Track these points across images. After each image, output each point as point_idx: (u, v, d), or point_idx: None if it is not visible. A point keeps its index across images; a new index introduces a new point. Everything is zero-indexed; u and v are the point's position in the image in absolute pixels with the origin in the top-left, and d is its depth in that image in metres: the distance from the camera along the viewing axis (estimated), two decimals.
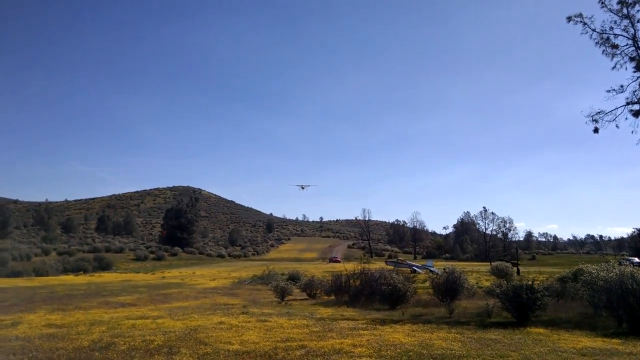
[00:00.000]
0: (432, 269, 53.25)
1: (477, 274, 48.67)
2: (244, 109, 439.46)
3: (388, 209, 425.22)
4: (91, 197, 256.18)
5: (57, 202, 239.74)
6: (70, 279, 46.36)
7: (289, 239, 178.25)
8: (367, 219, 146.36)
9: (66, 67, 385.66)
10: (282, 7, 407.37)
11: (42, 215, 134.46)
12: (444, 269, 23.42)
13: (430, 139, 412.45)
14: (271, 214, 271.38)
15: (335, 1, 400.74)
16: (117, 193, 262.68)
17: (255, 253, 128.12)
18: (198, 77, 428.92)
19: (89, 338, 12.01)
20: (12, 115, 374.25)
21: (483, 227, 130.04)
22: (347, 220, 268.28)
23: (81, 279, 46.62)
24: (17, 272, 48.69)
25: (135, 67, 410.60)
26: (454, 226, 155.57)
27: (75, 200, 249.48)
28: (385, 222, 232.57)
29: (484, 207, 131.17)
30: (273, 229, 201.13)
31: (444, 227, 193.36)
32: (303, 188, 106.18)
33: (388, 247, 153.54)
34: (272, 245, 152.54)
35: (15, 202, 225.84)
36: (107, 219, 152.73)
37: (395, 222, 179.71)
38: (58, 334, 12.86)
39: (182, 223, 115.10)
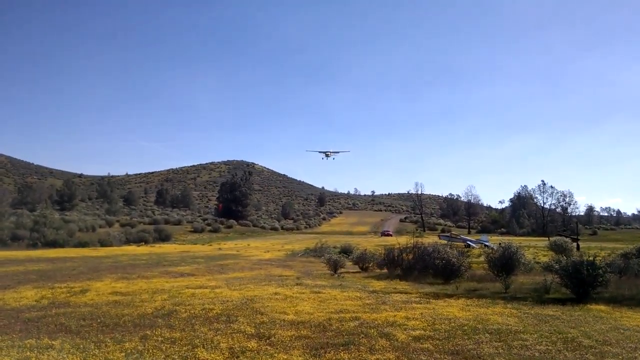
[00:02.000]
0: (487, 243, 52.21)
1: (534, 249, 47.41)
2: (295, 81, 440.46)
3: (441, 183, 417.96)
4: (150, 171, 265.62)
5: (118, 175, 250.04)
6: (132, 249, 48.55)
7: (341, 213, 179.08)
8: (419, 192, 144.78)
9: (126, 45, 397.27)
10: None
11: (105, 189, 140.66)
12: (500, 244, 22.90)
13: (485, 109, 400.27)
14: (323, 187, 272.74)
15: None
16: (174, 167, 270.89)
17: (308, 226, 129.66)
18: (250, 51, 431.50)
19: (152, 305, 12.61)
20: (75, 93, 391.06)
21: (541, 201, 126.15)
22: (399, 194, 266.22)
23: (143, 249, 48.72)
24: (83, 243, 51.42)
25: (191, 43, 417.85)
26: (510, 200, 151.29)
27: (136, 174, 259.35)
28: (438, 195, 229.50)
29: (542, 181, 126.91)
30: (325, 203, 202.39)
31: (500, 201, 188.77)
32: (328, 155, 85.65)
33: (441, 221, 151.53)
34: (324, 219, 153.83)
35: (80, 176, 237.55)
36: (165, 192, 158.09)
37: (449, 196, 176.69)
38: (123, 301, 13.57)
39: (236, 196, 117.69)
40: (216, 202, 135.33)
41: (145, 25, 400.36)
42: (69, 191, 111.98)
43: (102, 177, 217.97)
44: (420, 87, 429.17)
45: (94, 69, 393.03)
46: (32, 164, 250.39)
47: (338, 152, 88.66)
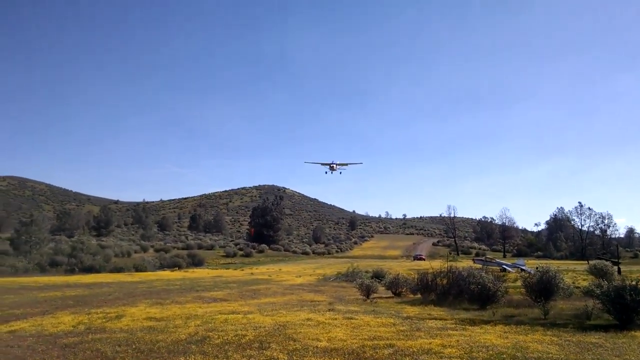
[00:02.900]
0: (523, 267, 50.82)
1: (573, 273, 45.87)
2: (325, 105, 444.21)
3: (474, 205, 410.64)
4: (184, 196, 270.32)
5: (153, 202, 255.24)
6: (166, 274, 49.09)
7: (372, 237, 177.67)
8: (452, 215, 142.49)
9: (160, 74, 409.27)
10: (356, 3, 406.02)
11: (140, 215, 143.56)
12: (537, 268, 22.25)
13: (520, 131, 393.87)
14: (354, 211, 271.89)
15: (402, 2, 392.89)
16: (207, 192, 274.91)
17: (339, 250, 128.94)
18: (279, 77, 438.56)
19: (185, 331, 12.67)
20: (111, 123, 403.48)
21: (579, 224, 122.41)
22: (431, 217, 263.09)
23: (176, 274, 49.20)
24: (119, 268, 52.27)
25: (223, 70, 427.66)
26: (547, 223, 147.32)
27: (170, 200, 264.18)
28: (471, 218, 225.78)
29: (580, 203, 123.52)
30: (356, 227, 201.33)
31: (535, 224, 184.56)
32: (332, 169, 70.36)
33: (475, 244, 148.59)
34: (355, 243, 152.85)
35: (116, 202, 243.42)
36: (198, 217, 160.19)
37: (483, 219, 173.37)
38: (157, 326, 13.68)
39: (268, 221, 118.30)
40: (248, 227, 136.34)
41: (177, 54, 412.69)
42: (105, 217, 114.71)
43: (138, 204, 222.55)
44: (451, 110, 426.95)
45: (129, 99, 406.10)
46: (71, 191, 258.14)
47: (346, 165, 72.85)
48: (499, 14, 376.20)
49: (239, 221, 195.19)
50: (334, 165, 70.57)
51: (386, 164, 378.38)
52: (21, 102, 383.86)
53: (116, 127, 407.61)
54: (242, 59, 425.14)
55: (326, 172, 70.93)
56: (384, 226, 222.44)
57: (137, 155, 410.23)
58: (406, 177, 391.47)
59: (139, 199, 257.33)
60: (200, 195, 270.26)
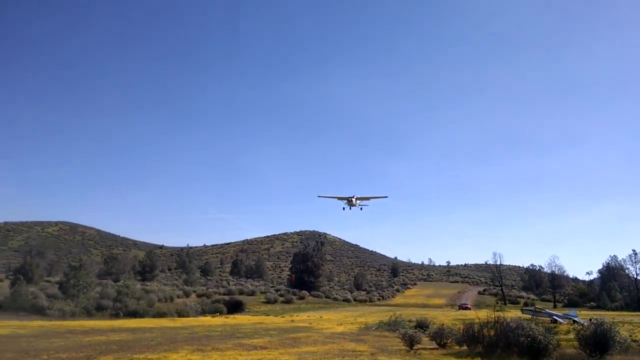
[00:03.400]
0: (575, 318, 48.27)
1: (629, 325, 43.21)
2: (361, 151, 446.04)
3: (521, 253, 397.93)
4: (226, 242, 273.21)
5: (196, 247, 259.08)
6: (207, 320, 49.17)
7: (415, 284, 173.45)
8: (498, 263, 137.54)
9: (202, 122, 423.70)
10: (395, 51, 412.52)
11: (183, 260, 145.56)
12: (591, 319, 21.18)
13: (567, 176, 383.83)
14: (396, 257, 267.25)
15: (440, 46, 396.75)
16: (249, 238, 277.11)
17: (381, 298, 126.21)
18: (317, 124, 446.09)
19: None
20: (157, 170, 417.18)
21: (634, 272, 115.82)
22: (476, 264, 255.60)
23: (217, 320, 49.21)
24: (162, 313, 52.72)
25: (264, 117, 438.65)
26: (599, 271, 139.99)
27: (212, 245, 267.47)
28: (518, 266, 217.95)
29: (634, 250, 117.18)
30: (398, 273, 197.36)
31: (587, 273, 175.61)
32: (351, 204, 61.51)
33: (523, 293, 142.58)
34: (397, 290, 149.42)
35: (161, 247, 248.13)
36: (240, 262, 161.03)
37: (530, 267, 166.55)
38: None
39: (309, 267, 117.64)
40: (289, 273, 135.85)
41: (220, 103, 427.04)
42: (150, 262, 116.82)
43: (182, 248, 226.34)
44: (495, 153, 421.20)
45: (174, 146, 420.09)
46: (118, 236, 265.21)
47: (368, 199, 63.49)
48: (544, 58, 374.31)
49: (280, 267, 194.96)
50: (353, 200, 61.51)
51: (428, 209, 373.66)
52: (72, 150, 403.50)
53: (163, 173, 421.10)
54: (281, 105, 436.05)
55: (344, 208, 62.14)
56: (427, 273, 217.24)
57: (183, 201, 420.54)
58: (449, 222, 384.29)
59: (183, 244, 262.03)
60: (242, 241, 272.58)
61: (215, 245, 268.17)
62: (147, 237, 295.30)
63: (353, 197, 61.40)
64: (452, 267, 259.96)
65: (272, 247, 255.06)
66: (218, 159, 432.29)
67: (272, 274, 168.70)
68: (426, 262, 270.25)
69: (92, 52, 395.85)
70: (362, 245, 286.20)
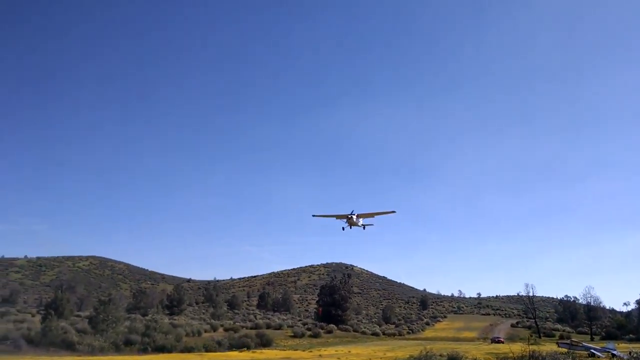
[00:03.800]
0: (614, 352, 46.38)
1: None
2: (388, 181, 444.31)
3: (554, 284, 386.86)
4: (253, 274, 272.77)
5: (223, 280, 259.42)
6: (235, 354, 48.89)
7: (445, 317, 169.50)
8: (530, 294, 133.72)
9: (229, 157, 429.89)
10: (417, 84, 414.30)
11: (211, 293, 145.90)
12: (630, 352, 20.45)
13: (599, 204, 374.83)
14: (425, 289, 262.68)
15: (458, 78, 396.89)
16: (275, 270, 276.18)
17: (410, 331, 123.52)
18: (344, 155, 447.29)
19: None
20: (185, 204, 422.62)
21: None
22: (507, 296, 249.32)
23: (245, 355, 48.87)
24: (190, 347, 52.69)
25: (290, 151, 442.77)
26: (637, 302, 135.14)
27: (240, 278, 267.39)
28: (552, 298, 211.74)
29: None
30: (427, 306, 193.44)
31: (624, 304, 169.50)
32: (352, 222, 52.24)
33: (558, 326, 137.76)
34: (427, 323, 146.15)
35: (189, 280, 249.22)
36: (267, 296, 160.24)
37: (565, 298, 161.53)
38: None
39: (336, 300, 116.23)
40: (316, 306, 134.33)
41: (245, 136, 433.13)
42: (178, 296, 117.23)
43: (209, 282, 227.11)
44: (525, 182, 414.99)
45: (201, 182, 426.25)
46: (147, 270, 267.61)
47: (372, 216, 54.39)
48: (573, 87, 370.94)
49: (307, 300, 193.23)
50: (353, 218, 51.95)
51: (457, 240, 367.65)
52: (102, 187, 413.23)
53: (190, 207, 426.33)
54: (307, 139, 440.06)
55: (343, 229, 53.58)
56: (458, 306, 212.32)
57: (210, 235, 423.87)
58: (479, 253, 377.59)
59: (210, 277, 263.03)
60: (269, 273, 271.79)
61: (242, 278, 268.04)
62: (175, 271, 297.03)
63: (352, 214, 52.13)
64: (483, 299, 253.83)
65: (298, 279, 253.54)
66: (244, 191, 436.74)
67: (299, 307, 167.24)
68: (456, 294, 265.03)
69: (136, 93, 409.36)
70: (389, 277, 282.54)
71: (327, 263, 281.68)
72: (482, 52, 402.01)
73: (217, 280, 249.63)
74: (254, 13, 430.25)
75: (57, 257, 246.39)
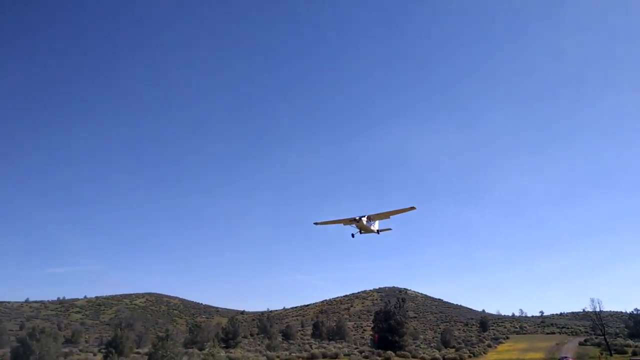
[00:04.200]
0: None
1: None
2: (440, 203, 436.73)
3: (622, 297, 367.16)
4: (305, 303, 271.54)
5: (276, 310, 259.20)
6: None
7: (507, 338, 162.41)
8: (597, 310, 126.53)
9: (272, 185, 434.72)
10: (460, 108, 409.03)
11: (265, 324, 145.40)
12: None
13: None
14: (483, 310, 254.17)
15: (496, 92, 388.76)
16: (328, 298, 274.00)
17: (472, 355, 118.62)
18: (393, 177, 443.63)
19: None
20: (233, 236, 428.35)
21: None
22: (572, 313, 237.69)
23: None
24: None
25: (332, 177, 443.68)
26: None
27: (292, 308, 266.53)
28: (621, 312, 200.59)
29: None
30: (488, 327, 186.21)
31: None
32: (362, 227, 46.99)
33: (630, 342, 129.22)
34: (489, 346, 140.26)
35: (242, 312, 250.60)
36: (321, 324, 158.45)
37: (635, 312, 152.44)
38: None
39: (392, 325, 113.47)
40: (371, 333, 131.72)
41: (291, 164, 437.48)
42: (233, 329, 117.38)
43: (262, 313, 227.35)
44: (579, 193, 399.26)
45: (250, 214, 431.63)
46: (201, 304, 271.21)
47: (387, 216, 47.19)
48: (623, 92, 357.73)
49: (361, 326, 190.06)
50: (363, 221, 45.90)
51: (514, 258, 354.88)
52: (154, 225, 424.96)
53: (239, 239, 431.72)
54: (355, 162, 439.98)
55: (353, 235, 47.84)
56: (520, 325, 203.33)
57: (262, 266, 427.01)
58: (538, 270, 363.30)
59: (264, 308, 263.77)
60: (321, 302, 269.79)
61: (295, 307, 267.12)
62: (228, 304, 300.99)
63: (362, 216, 46.01)
64: (547, 317, 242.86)
65: (352, 306, 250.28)
66: (291, 220, 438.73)
67: (354, 335, 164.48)
68: (517, 314, 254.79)
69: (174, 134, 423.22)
70: (445, 299, 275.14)
71: (379, 288, 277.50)
72: (523, 70, 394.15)
73: (270, 311, 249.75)
74: (309, 45, 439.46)
75: (115, 295, 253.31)
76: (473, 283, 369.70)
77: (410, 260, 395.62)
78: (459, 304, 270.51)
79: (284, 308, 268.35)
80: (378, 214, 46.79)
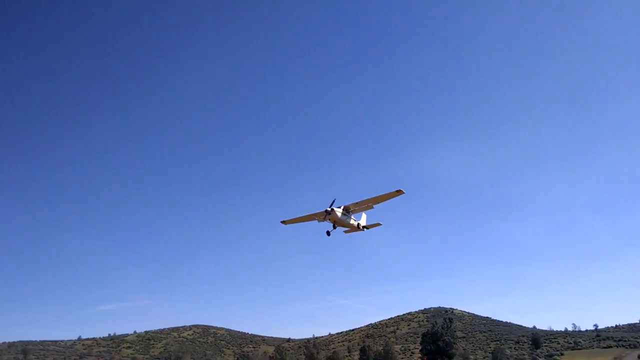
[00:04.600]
0: None
1: None
2: (481, 219, 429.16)
3: None
4: (351, 328, 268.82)
5: (322, 336, 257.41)
6: None
7: (562, 354, 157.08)
8: None
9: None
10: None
11: (311, 351, 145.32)
12: None
13: None
14: (534, 326, 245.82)
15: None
16: (373, 322, 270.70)
17: None
18: (435, 198, 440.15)
19: None
20: (275, 265, 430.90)
21: None
22: (629, 324, 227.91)
23: None
24: None
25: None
26: None
27: (338, 333, 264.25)
28: None
29: None
30: (540, 344, 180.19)
31: None
32: (334, 221, 40.32)
33: None
34: None
35: (288, 340, 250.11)
36: (368, 349, 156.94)
37: None
38: None
39: (440, 347, 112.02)
40: (420, 355, 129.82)
41: (325, 188, 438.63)
42: (280, 357, 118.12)
43: (308, 340, 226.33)
44: (629, 199, 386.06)
45: (284, 242, 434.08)
46: (247, 333, 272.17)
47: (369, 206, 40.31)
48: None
49: (409, 349, 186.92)
50: (335, 212, 39.02)
51: (562, 271, 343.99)
52: (199, 259, 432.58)
53: (280, 267, 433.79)
54: (395, 183, 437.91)
55: (328, 233, 41.26)
56: (574, 341, 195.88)
57: (305, 292, 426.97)
58: (590, 281, 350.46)
59: (309, 335, 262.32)
60: (367, 325, 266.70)
61: (340, 332, 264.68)
62: (273, 332, 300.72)
63: (333, 207, 39.29)
64: (602, 330, 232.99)
65: (398, 329, 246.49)
66: (331, 246, 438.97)
67: (402, 358, 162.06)
68: (570, 328, 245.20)
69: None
70: (494, 317, 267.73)
71: (425, 309, 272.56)
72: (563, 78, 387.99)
73: (316, 337, 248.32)
74: (352, 61, 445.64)
75: (164, 329, 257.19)
76: (521, 299, 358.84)
77: (455, 279, 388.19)
78: (508, 321, 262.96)
79: (329, 334, 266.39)
80: (357, 204, 40.28)
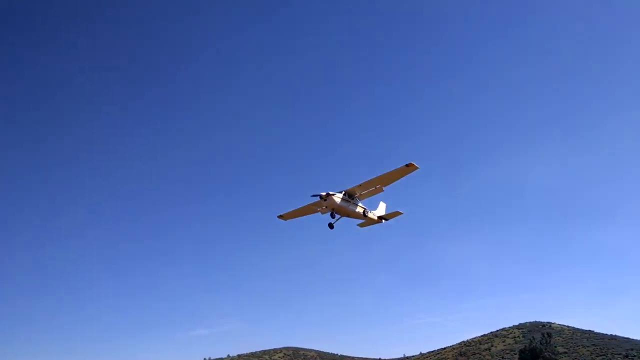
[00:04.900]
0: None
1: None
2: (574, 226, 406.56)
3: None
4: (442, 346, 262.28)
5: (413, 355, 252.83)
6: None
7: None
8: None
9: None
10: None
11: None
12: None
13: None
14: None
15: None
16: (465, 339, 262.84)
17: None
18: (511, 207, 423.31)
19: None
20: (358, 284, 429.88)
21: None
22: None
23: None
24: None
25: (455, 214, 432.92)
26: None
27: (429, 352, 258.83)
28: None
29: None
30: None
31: None
32: (332, 205, 34.64)
33: None
34: None
35: None
36: None
37: None
38: None
39: None
40: None
41: (407, 201, 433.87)
42: None
43: (399, 359, 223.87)
44: None
45: (366, 260, 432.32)
46: (337, 354, 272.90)
47: (378, 189, 35.17)
48: None
49: None
50: (334, 198, 34.19)
51: None
52: (281, 280, 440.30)
53: (363, 287, 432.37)
54: (475, 194, 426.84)
55: (330, 226, 37.10)
56: None
57: (397, 310, 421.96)
58: None
59: (399, 354, 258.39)
60: (459, 343, 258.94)
61: (432, 351, 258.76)
62: (362, 352, 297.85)
63: (329, 193, 33.99)
64: None
65: (492, 346, 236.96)
66: (415, 265, 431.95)
67: None
68: None
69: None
70: (596, 330, 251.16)
71: (520, 324, 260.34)
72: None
73: (407, 357, 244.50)
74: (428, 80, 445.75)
75: (255, 352, 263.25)
76: (627, 309, 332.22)
77: (550, 290, 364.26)
78: (614, 333, 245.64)
79: (420, 353, 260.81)
80: (361, 185, 34.32)
